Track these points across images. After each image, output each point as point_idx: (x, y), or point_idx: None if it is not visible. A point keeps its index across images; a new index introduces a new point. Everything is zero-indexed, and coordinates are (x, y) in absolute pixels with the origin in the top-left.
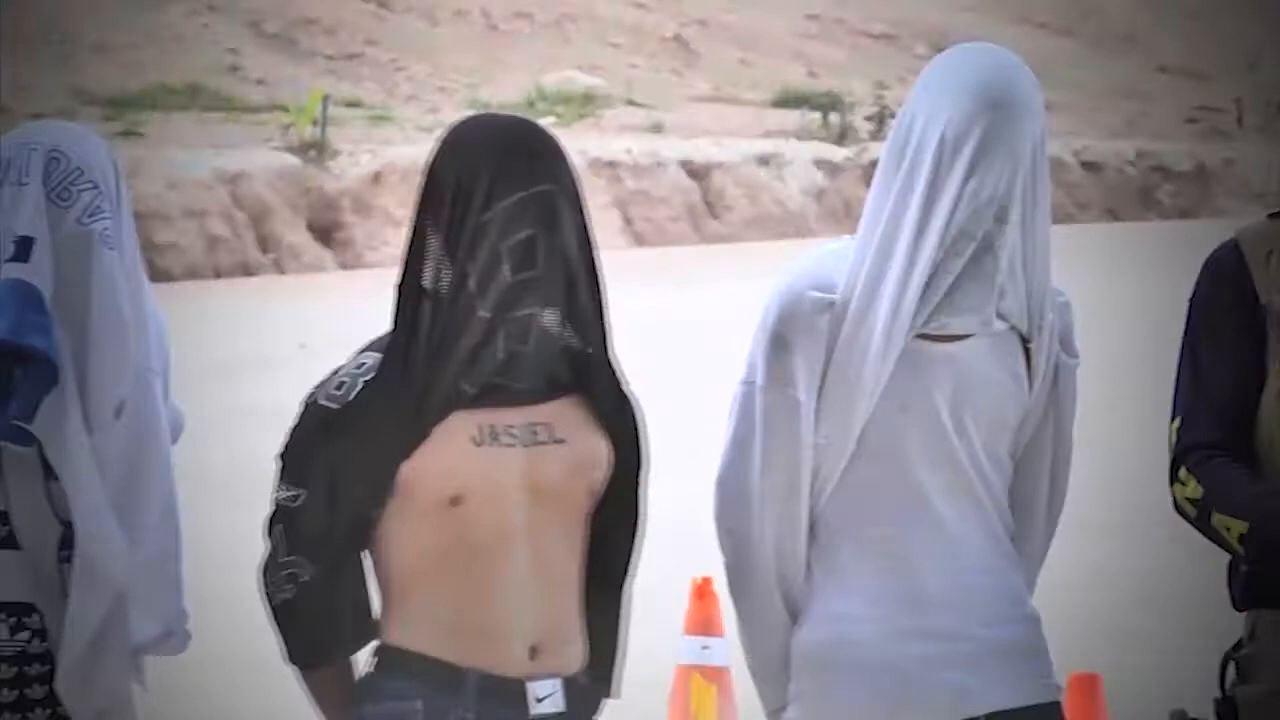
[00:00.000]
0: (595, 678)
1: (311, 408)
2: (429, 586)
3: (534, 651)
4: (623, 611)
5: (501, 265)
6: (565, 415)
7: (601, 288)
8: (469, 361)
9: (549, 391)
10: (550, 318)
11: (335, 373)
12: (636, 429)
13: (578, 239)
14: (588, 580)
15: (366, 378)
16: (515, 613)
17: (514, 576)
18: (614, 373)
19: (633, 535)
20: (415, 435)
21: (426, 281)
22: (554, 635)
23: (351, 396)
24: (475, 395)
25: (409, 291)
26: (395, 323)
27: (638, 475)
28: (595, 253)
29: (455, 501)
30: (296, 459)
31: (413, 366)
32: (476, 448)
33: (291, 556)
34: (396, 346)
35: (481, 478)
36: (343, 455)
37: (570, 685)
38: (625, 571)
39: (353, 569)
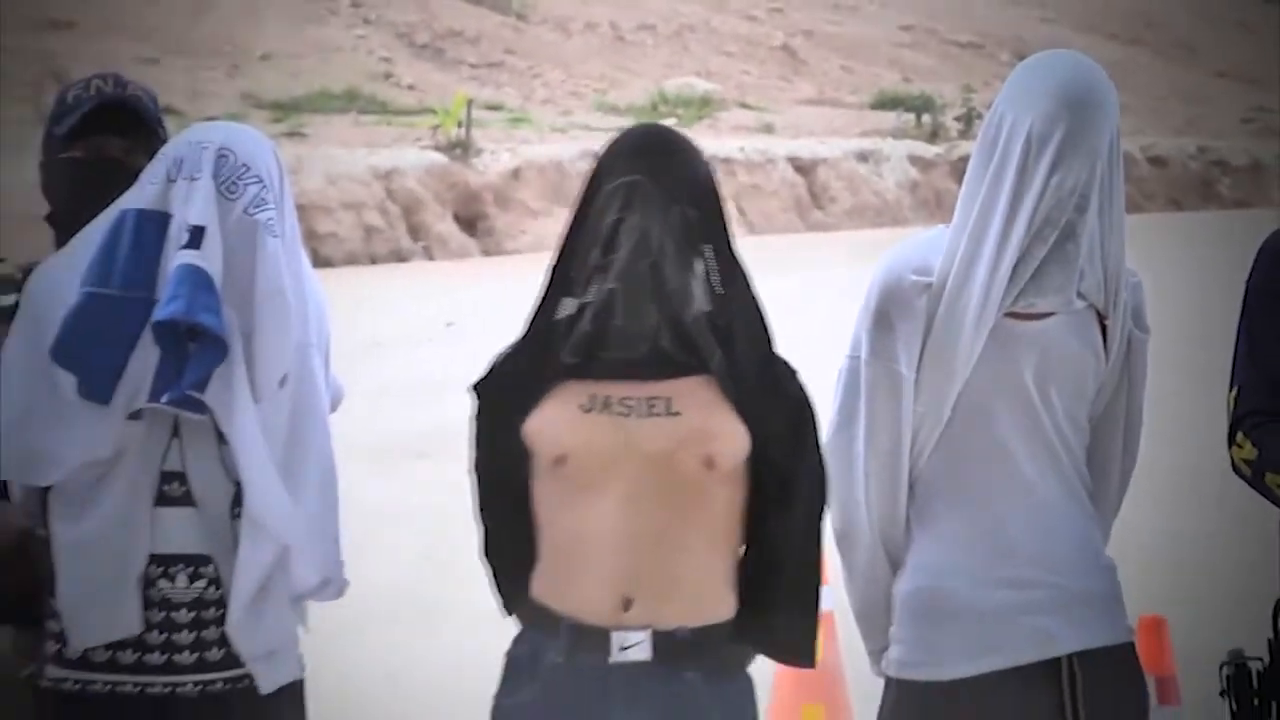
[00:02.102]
0: (751, 633)
1: (477, 381)
2: (548, 539)
3: (626, 603)
4: (794, 577)
5: (592, 247)
6: (689, 392)
7: (736, 281)
8: (565, 335)
9: (676, 369)
10: (642, 295)
11: (500, 350)
12: (791, 409)
13: (671, 226)
14: (756, 545)
15: (506, 353)
16: (607, 566)
17: (608, 533)
18: (763, 359)
19: (797, 505)
20: (531, 400)
21: (557, 265)
22: (649, 590)
23: (491, 369)
24: (587, 367)
25: (548, 275)
26: (535, 303)
27: (794, 451)
28: (727, 243)
29: (560, 461)
30: (471, 426)
31: (529, 340)
32: (584, 414)
33: (481, 510)
34: (528, 324)
35: (584, 441)
36: (485, 418)
37: (663, 638)
38: (795, 537)
39: (518, 523)
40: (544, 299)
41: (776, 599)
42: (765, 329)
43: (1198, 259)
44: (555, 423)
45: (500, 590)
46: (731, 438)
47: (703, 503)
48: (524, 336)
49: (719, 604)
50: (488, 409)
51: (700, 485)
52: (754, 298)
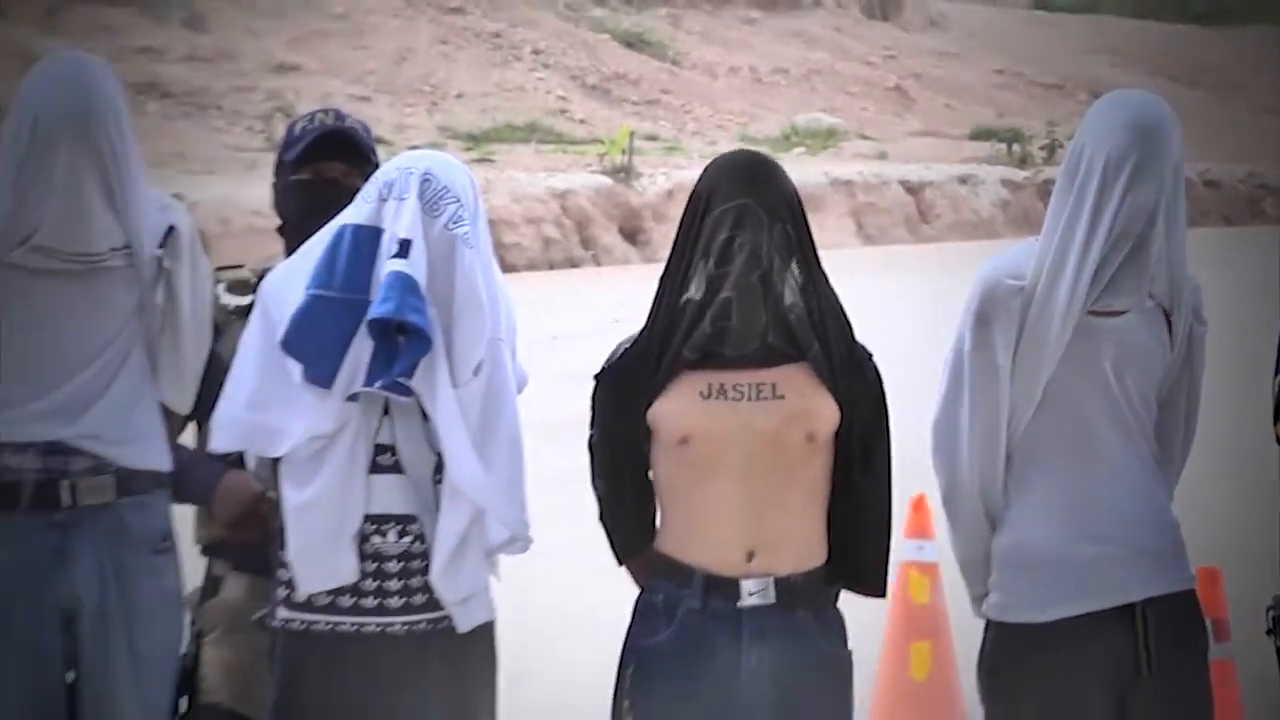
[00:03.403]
0: (836, 576)
1: (601, 369)
2: (672, 504)
3: (750, 555)
4: (873, 522)
5: (708, 259)
6: (790, 377)
7: (820, 282)
8: (686, 334)
9: (778, 358)
10: (754, 301)
11: (620, 343)
12: (869, 387)
13: (777, 241)
14: (842, 502)
15: (626, 346)
16: (732, 526)
17: (731, 498)
18: (848, 347)
19: (876, 467)
20: (653, 389)
21: (669, 272)
22: (767, 543)
23: (615, 359)
24: (702, 360)
25: (662, 280)
26: (653, 303)
27: (874, 421)
28: (814, 252)
29: (684, 441)
30: (592, 407)
31: (651, 337)
32: (704, 400)
33: (596, 479)
34: (648, 322)
35: (705, 424)
36: (609, 403)
37: (781, 583)
38: (874, 495)
39: (635, 489)
40: (660, 302)
41: (863, 545)
42: (846, 321)
43: (1245, 267)
44: (679, 409)
45: (615, 546)
46: (827, 415)
47: (804, 470)
48: (644, 334)
49: (817, 552)
50: (611, 394)
51: (802, 455)
52: (834, 295)
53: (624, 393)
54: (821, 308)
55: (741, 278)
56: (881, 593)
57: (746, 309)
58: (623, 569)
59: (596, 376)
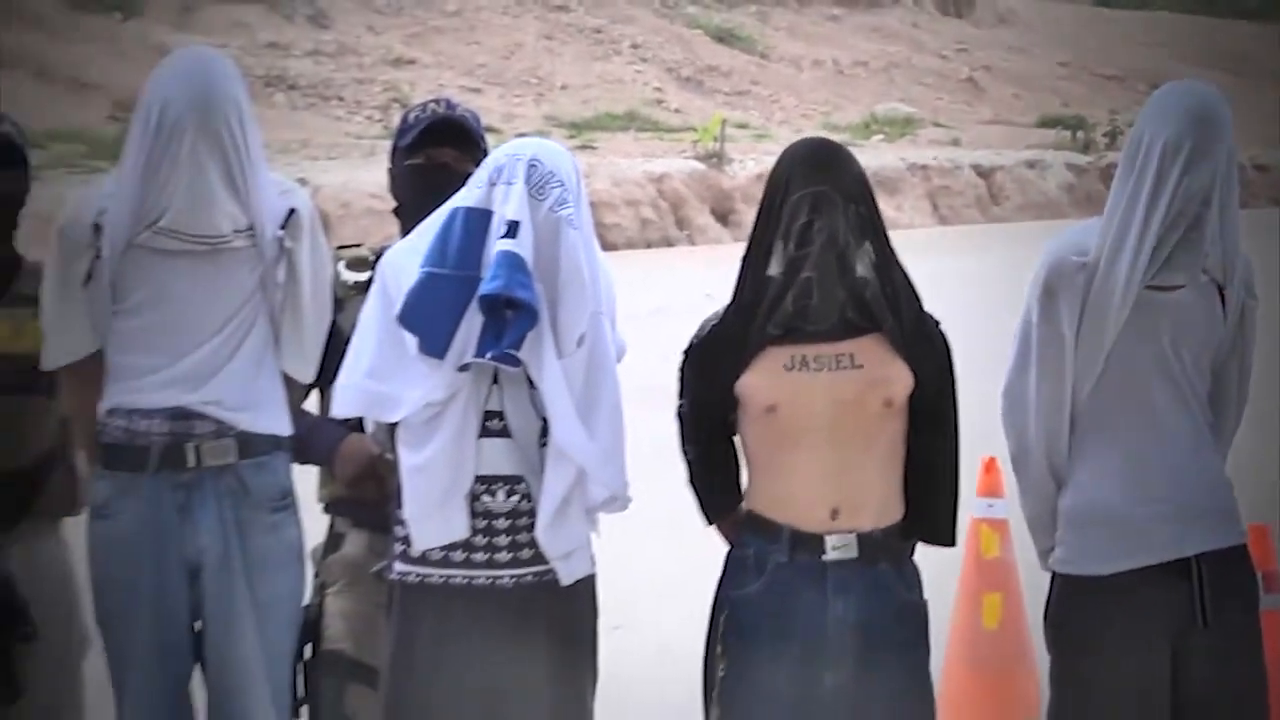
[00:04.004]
0: (915, 527)
1: (689, 345)
2: (760, 468)
3: (834, 513)
4: (943, 478)
5: (788, 242)
6: (867, 348)
7: (890, 257)
8: (769, 312)
9: (854, 331)
10: (832, 279)
11: (705, 320)
12: (938, 355)
13: (851, 223)
14: (917, 461)
15: (713, 323)
16: (817, 487)
17: (815, 462)
18: (917, 317)
19: (947, 428)
20: (739, 363)
21: (751, 254)
22: (850, 502)
23: (703, 335)
24: (785, 335)
25: (744, 261)
26: (736, 283)
27: (942, 387)
28: (883, 231)
29: (770, 409)
30: (680, 379)
31: (736, 315)
32: (787, 372)
33: (685, 446)
34: (732, 300)
35: (789, 393)
36: (697, 375)
37: (863, 538)
38: (945, 454)
39: (722, 454)
40: (743, 282)
41: (935, 501)
42: (915, 293)
43: None
44: (765, 380)
45: (704, 508)
46: (902, 381)
47: (882, 433)
48: (728, 311)
49: (895, 509)
50: (699, 367)
51: (880, 420)
52: (904, 269)
53: (711, 366)
54: (894, 282)
55: (820, 258)
56: (952, 542)
57: (826, 287)
58: (711, 528)
59: (685, 351)
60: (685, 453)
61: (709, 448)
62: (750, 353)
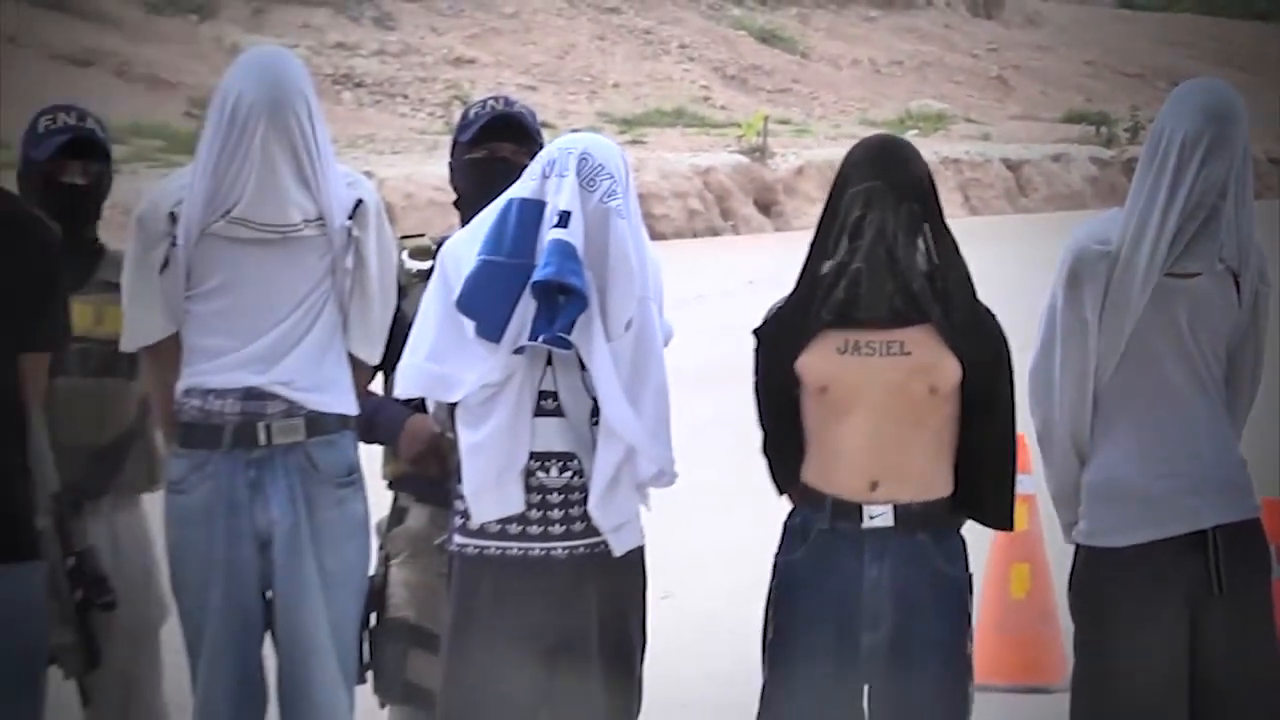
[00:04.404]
0: (965, 506)
1: (758, 327)
2: (813, 441)
3: (874, 485)
4: (994, 463)
5: (843, 235)
6: (917, 337)
7: (948, 250)
8: (824, 299)
9: (905, 320)
10: (880, 271)
11: (773, 305)
12: (992, 347)
13: (902, 219)
14: (967, 444)
15: (778, 307)
16: (858, 460)
17: (859, 437)
18: (970, 310)
19: (997, 414)
20: (798, 345)
21: (814, 244)
22: (891, 476)
23: (768, 319)
24: (839, 321)
25: (808, 251)
26: (800, 271)
27: (993, 375)
28: (942, 226)
29: (823, 389)
30: (754, 358)
31: (796, 301)
32: (840, 355)
33: (760, 420)
34: (795, 286)
35: (841, 375)
36: (765, 357)
37: (902, 509)
38: (996, 438)
39: (790, 428)
40: (805, 271)
41: (985, 482)
42: (970, 284)
43: None
44: (819, 362)
45: (775, 476)
46: (949, 371)
47: (929, 416)
48: (791, 297)
49: (939, 485)
50: (766, 349)
51: (926, 404)
52: (962, 261)
53: (775, 348)
54: (947, 277)
55: (870, 251)
56: (1005, 525)
57: (874, 278)
58: (783, 497)
59: (755, 333)
60: (761, 426)
61: (777, 422)
62: (807, 336)
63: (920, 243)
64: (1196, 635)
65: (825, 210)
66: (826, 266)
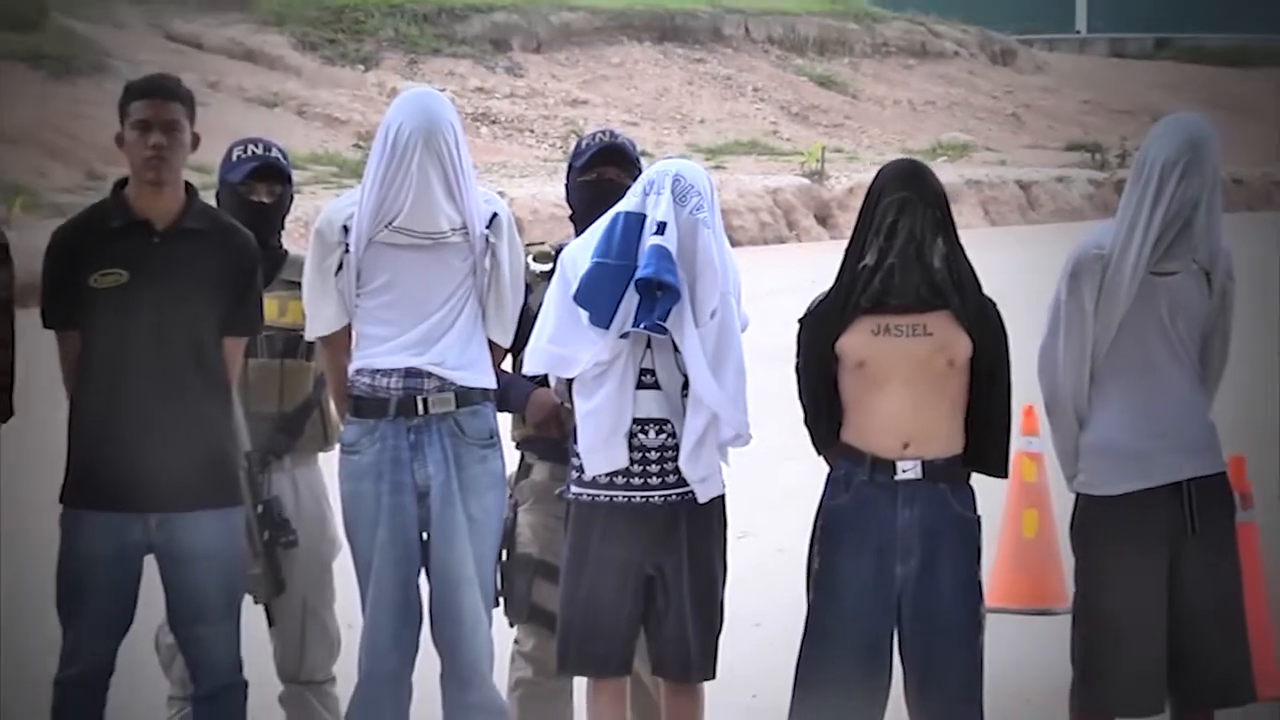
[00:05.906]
0: (972, 460)
1: (803, 315)
2: (852, 408)
3: (906, 445)
4: (996, 423)
5: (879, 236)
6: (938, 320)
7: (957, 251)
8: (862, 290)
9: (928, 306)
10: (911, 266)
11: (815, 297)
12: (994, 328)
13: (928, 223)
14: (975, 409)
15: (821, 298)
16: (893, 424)
17: (893, 405)
18: (978, 298)
19: (998, 383)
20: (839, 328)
21: (851, 245)
22: (919, 436)
23: (812, 308)
24: (874, 307)
25: (846, 251)
26: (840, 267)
27: (996, 352)
28: (954, 231)
29: (861, 365)
30: (797, 342)
31: (838, 292)
32: (874, 336)
33: (801, 393)
34: (835, 280)
35: (875, 353)
36: (809, 339)
37: (928, 464)
38: (997, 403)
39: (827, 399)
40: (845, 267)
41: (989, 440)
42: (976, 280)
43: (1261, 242)
44: (858, 342)
45: (815, 439)
46: (963, 347)
47: (947, 386)
48: (833, 289)
49: (956, 443)
50: (810, 333)
51: (945, 376)
52: (968, 261)
53: (819, 331)
54: (959, 270)
55: (902, 249)
56: (1003, 474)
57: (905, 272)
58: (820, 457)
59: (800, 320)
60: (801, 398)
61: (816, 394)
62: (847, 320)
63: (940, 243)
64: (1174, 567)
65: (860, 217)
66: (867, 259)
